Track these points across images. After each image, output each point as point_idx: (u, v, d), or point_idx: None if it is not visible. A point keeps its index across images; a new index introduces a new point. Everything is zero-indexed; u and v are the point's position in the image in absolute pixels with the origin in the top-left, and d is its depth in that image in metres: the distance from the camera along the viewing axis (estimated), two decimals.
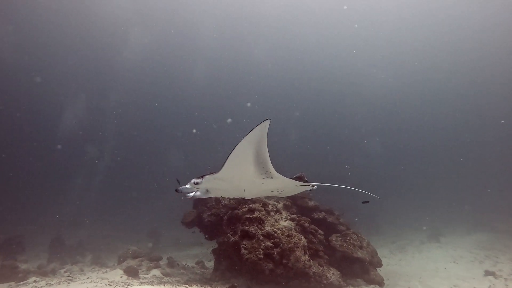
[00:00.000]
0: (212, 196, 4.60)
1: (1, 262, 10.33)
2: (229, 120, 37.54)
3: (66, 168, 35.63)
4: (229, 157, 3.48)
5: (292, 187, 4.51)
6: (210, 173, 3.90)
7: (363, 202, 6.01)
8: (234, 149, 3.35)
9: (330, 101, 44.12)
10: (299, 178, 4.65)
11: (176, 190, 4.13)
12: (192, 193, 4.20)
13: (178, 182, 5.57)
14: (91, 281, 8.51)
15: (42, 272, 9.82)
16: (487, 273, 9.40)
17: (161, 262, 10.15)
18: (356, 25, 32.66)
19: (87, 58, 32.25)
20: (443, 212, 21.95)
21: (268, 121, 3.12)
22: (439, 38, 33.51)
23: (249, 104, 38.97)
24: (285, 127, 41.89)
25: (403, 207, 25.42)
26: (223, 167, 3.65)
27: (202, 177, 4.00)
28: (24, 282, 8.95)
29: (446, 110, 42.09)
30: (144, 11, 28.77)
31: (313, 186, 4.64)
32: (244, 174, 3.87)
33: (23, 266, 10.18)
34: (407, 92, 41.50)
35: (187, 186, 4.12)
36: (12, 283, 8.88)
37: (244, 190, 4.38)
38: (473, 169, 37.77)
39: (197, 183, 4.04)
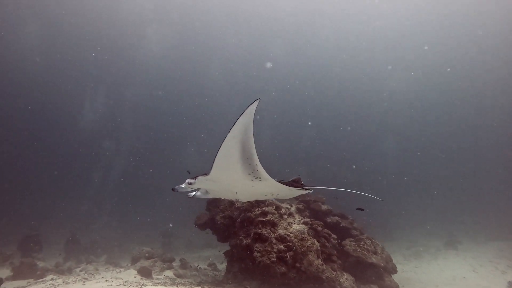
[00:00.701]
0: (211, 196, 4.59)
1: (20, 260, 10.62)
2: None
3: (83, 166, 36.25)
4: (216, 157, 3.39)
5: (285, 191, 4.36)
6: (203, 174, 3.85)
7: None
8: (220, 147, 3.25)
9: (343, 103, 43.64)
10: (295, 182, 4.60)
11: (173, 189, 4.14)
12: (193, 193, 4.23)
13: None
14: (106, 280, 8.62)
15: (59, 271, 10.04)
16: (511, 284, 8.98)
17: (174, 263, 10.23)
18: (376, 23, 32.45)
19: (107, 55, 33.10)
20: (461, 218, 21.40)
21: (256, 103, 2.91)
22: (456, 38, 32.94)
23: (262, 101, 39.06)
24: (298, 128, 41.86)
25: (418, 212, 24.94)
26: (212, 168, 3.57)
27: (195, 177, 3.97)
28: (42, 279, 9.15)
29: (466, 111, 40.92)
30: (162, 9, 29.49)
31: (309, 190, 4.56)
32: (232, 175, 3.76)
33: (41, 264, 10.43)
34: (425, 93, 40.60)
35: (182, 185, 4.11)
36: (31, 280, 9.11)
37: (236, 192, 4.34)
38: (494, 173, 36.59)
39: (190, 183, 4.01)
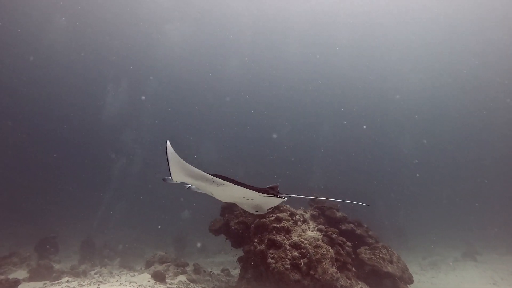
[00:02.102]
0: (202, 192, 4.87)
1: (37, 261, 10.84)
2: (275, 136, 38.46)
3: (101, 166, 36.72)
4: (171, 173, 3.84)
5: (257, 197, 4.57)
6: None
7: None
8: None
9: (359, 103, 43.15)
10: (272, 189, 4.76)
11: (164, 179, 4.48)
12: (189, 185, 4.63)
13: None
14: (120, 284, 8.72)
15: (75, 273, 10.18)
16: None
17: (188, 268, 10.25)
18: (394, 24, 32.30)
19: (128, 51, 33.97)
20: (480, 228, 20.80)
21: (169, 148, 3.38)
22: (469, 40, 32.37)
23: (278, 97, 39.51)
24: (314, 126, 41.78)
25: (435, 220, 24.38)
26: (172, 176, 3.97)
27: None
28: (58, 281, 9.31)
29: (488, 121, 39.83)
30: (181, 6, 30.36)
31: (282, 198, 4.69)
32: (195, 182, 4.13)
33: (57, 266, 10.63)
34: (445, 95, 39.79)
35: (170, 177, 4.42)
36: (47, 282, 9.27)
37: (211, 192, 4.62)
38: None
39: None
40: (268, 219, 7.72)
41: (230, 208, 9.13)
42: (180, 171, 3.80)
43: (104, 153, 36.45)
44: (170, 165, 3.62)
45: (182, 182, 4.54)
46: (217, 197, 4.90)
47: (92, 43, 32.20)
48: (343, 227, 8.67)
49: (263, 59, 38.34)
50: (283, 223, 7.44)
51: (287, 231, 7.31)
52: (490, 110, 38.72)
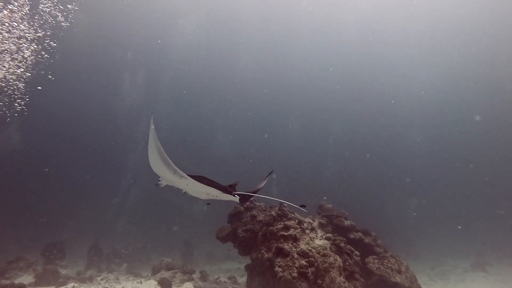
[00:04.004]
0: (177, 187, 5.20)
1: (43, 266, 10.86)
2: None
3: (110, 170, 36.82)
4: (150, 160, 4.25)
5: (216, 192, 4.88)
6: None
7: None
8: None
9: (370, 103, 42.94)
10: (231, 186, 5.08)
11: (156, 185, 4.98)
12: (162, 184, 5.01)
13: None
14: None
15: (81, 279, 10.19)
16: None
17: (194, 275, 10.21)
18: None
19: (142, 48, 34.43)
20: (490, 239, 20.42)
21: (151, 126, 3.80)
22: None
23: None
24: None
25: (444, 230, 23.99)
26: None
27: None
28: (64, 287, 9.34)
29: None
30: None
31: (234, 196, 4.96)
32: (165, 174, 4.51)
33: (63, 272, 10.64)
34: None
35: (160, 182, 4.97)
36: (53, 287, 9.28)
37: (183, 189, 5.01)
38: None
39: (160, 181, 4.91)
40: (276, 226, 7.68)
41: (237, 216, 9.09)
42: (155, 151, 4.14)
43: (112, 157, 36.68)
44: (150, 139, 3.99)
45: (177, 189, 4.99)
46: (191, 193, 5.17)
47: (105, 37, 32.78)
48: (351, 236, 8.58)
49: (274, 55, 38.48)
50: (291, 231, 7.40)
51: (295, 239, 7.26)
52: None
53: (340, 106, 42.46)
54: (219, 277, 10.73)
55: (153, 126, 3.86)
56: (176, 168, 4.30)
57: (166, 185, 5.02)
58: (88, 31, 30.24)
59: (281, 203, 8.55)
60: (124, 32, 33.04)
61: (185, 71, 38.11)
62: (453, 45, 34.19)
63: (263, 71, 39.95)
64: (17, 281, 8.98)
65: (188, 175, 4.44)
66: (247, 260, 8.45)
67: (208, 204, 5.57)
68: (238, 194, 5.01)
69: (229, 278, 10.77)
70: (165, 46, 35.28)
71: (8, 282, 8.37)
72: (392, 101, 40.18)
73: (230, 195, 4.94)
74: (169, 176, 4.53)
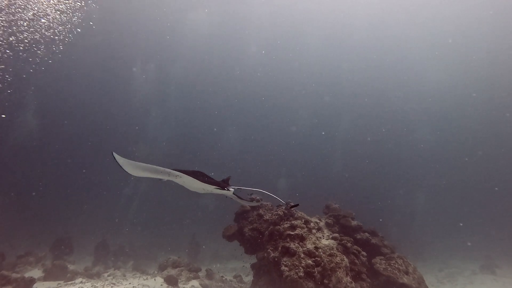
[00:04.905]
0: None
1: (52, 261, 11.00)
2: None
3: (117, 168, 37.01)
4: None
5: (210, 188, 5.11)
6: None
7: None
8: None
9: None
10: (224, 181, 5.34)
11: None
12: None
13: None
14: (133, 286, 8.78)
15: (88, 274, 10.29)
16: None
17: (200, 274, 10.24)
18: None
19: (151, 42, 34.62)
20: (499, 241, 20.13)
21: (116, 157, 4.09)
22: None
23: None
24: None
25: (452, 232, 23.71)
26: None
27: None
28: (71, 282, 9.44)
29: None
30: None
31: (228, 190, 5.18)
32: (160, 177, 4.73)
33: (71, 267, 10.76)
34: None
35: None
36: (61, 282, 9.41)
37: (182, 184, 5.20)
38: None
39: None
40: (282, 226, 7.67)
41: (244, 215, 9.09)
42: (135, 170, 4.43)
43: (121, 153, 36.78)
44: (126, 170, 4.28)
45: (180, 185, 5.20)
46: (189, 189, 5.41)
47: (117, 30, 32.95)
48: (358, 236, 8.52)
49: (283, 51, 38.21)
50: (298, 231, 7.37)
51: (301, 239, 7.24)
52: None
53: (349, 103, 42.18)
54: (225, 276, 10.75)
55: (121, 160, 4.14)
56: (169, 170, 4.49)
57: (169, 180, 5.16)
58: (97, 26, 30.45)
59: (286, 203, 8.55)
60: (134, 28, 33.01)
61: (195, 65, 38.07)
62: (466, 43, 33.63)
63: (272, 66, 39.82)
64: (27, 275, 9.10)
65: (184, 172, 4.63)
66: (253, 259, 8.45)
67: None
68: (230, 188, 5.28)
69: (235, 276, 10.78)
70: (174, 42, 35.34)
71: (18, 275, 8.49)
72: (401, 100, 39.99)
73: (224, 190, 5.19)
74: (166, 177, 4.73)
